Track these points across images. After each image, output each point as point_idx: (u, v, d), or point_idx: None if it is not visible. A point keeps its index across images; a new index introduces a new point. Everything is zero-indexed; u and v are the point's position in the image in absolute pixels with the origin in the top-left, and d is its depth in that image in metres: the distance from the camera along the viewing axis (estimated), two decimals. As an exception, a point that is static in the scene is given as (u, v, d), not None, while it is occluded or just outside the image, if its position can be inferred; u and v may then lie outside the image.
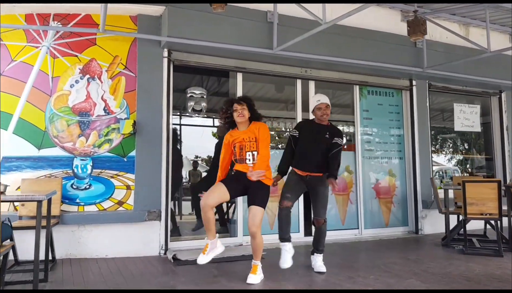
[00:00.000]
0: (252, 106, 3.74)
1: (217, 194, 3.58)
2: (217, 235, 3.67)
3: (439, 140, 11.37)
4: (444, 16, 6.57)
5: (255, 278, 3.63)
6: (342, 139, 4.15)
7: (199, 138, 6.56)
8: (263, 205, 3.58)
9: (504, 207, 4.87)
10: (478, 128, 7.45)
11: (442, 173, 12.46)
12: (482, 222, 5.63)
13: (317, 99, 4.16)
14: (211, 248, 3.60)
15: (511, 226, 4.92)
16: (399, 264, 4.34)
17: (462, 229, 5.09)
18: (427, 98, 6.69)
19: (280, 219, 4.03)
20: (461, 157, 9.42)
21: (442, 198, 5.60)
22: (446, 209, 5.32)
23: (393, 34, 6.10)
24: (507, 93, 7.59)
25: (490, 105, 7.71)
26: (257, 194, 3.58)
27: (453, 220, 5.57)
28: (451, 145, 11.41)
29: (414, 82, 6.60)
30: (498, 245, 4.77)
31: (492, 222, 5.09)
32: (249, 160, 3.62)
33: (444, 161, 12.42)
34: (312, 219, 4.17)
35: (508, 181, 7.33)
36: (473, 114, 7.42)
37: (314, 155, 4.05)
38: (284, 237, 4.00)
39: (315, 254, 4.13)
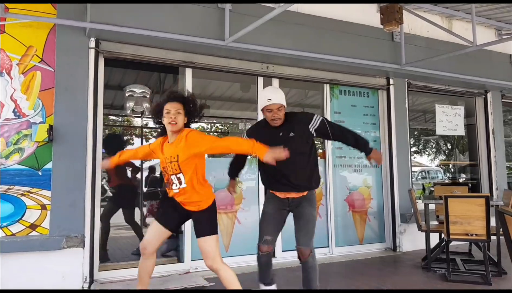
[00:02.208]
0: (193, 109, 2.91)
1: (154, 236, 2.93)
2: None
3: (422, 142, 10.83)
4: (425, 7, 5.88)
5: None
6: (313, 114, 3.19)
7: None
8: (213, 231, 2.87)
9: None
10: (462, 131, 6.78)
11: (425, 173, 11.93)
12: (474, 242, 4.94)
13: (267, 97, 3.10)
14: None
15: (500, 249, 4.23)
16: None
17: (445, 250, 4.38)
18: (406, 99, 6.00)
19: (260, 265, 3.29)
20: (443, 158, 8.86)
21: (422, 209, 4.91)
22: (427, 225, 4.61)
23: (368, 26, 5.41)
24: (493, 93, 6.97)
25: (474, 106, 7.06)
26: (201, 221, 2.88)
27: (435, 236, 4.90)
28: (434, 145, 10.88)
29: (391, 81, 5.90)
30: (486, 270, 4.07)
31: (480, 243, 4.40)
32: (176, 185, 2.84)
33: (427, 161, 11.91)
34: (295, 248, 3.15)
35: (494, 190, 6.70)
36: (457, 116, 6.74)
37: (287, 170, 3.05)
38: (265, 281, 3.34)
39: None
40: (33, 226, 3.83)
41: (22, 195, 3.83)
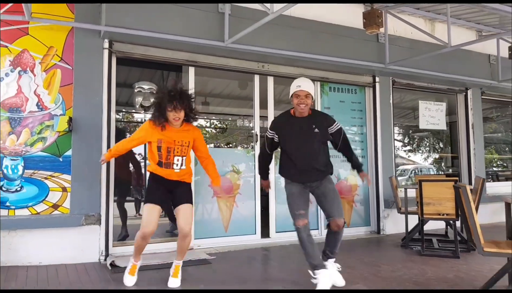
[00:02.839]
0: (191, 108, 3.37)
1: (153, 218, 3.32)
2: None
3: (416, 139, 11.34)
4: (409, 10, 6.40)
5: (177, 281, 3.48)
6: (335, 121, 3.52)
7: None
8: (191, 201, 3.46)
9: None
10: (443, 126, 7.30)
11: (418, 171, 12.44)
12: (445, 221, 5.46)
13: (297, 84, 3.38)
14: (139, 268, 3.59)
15: (469, 226, 4.74)
16: (352, 268, 4.11)
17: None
18: (391, 95, 6.51)
19: (303, 243, 3.35)
20: (437, 156, 9.35)
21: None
22: (405, 208, 5.14)
23: (356, 28, 5.87)
24: (473, 90, 7.49)
25: (456, 103, 7.59)
26: (183, 192, 3.42)
27: (415, 220, 5.41)
28: (427, 144, 11.38)
29: (377, 79, 6.41)
30: (455, 246, 4.60)
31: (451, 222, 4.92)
32: (177, 165, 3.35)
33: (420, 159, 12.43)
34: (328, 222, 3.45)
35: (473, 180, 7.22)
36: (439, 112, 7.27)
37: (308, 160, 3.37)
38: (316, 263, 3.33)
39: (328, 259, 3.50)
40: (55, 206, 4.34)
41: (46, 178, 4.34)
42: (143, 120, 5.80)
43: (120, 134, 5.73)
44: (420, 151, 12.33)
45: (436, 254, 4.66)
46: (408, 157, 12.65)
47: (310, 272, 3.36)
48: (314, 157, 3.39)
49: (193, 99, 3.43)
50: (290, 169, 3.48)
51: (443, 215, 4.60)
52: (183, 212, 3.34)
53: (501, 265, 3.03)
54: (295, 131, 3.39)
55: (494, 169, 9.23)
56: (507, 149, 9.18)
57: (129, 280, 3.48)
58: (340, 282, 3.45)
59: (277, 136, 3.52)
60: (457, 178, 4.67)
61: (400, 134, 9.34)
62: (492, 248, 2.89)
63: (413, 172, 12.59)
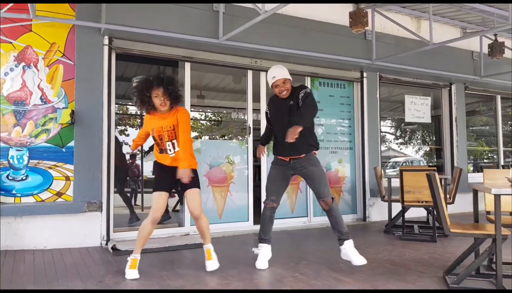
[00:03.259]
0: (174, 91, 3.44)
1: (162, 205, 3.50)
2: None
3: (408, 132, 11.67)
4: (395, 9, 6.69)
5: (213, 263, 3.59)
6: (306, 87, 3.71)
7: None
8: (197, 185, 3.57)
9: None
10: (428, 119, 7.64)
11: (409, 163, 12.81)
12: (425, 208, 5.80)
13: (272, 75, 3.66)
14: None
15: (438, 209, 5.09)
16: (337, 251, 4.42)
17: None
18: (377, 90, 6.82)
19: (263, 219, 3.79)
20: (427, 148, 9.67)
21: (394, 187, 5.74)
22: (388, 196, 5.47)
23: (345, 26, 6.11)
24: (457, 85, 7.81)
25: (441, 97, 7.92)
26: (193, 177, 3.50)
27: (399, 208, 5.74)
28: (419, 137, 11.73)
29: (365, 74, 6.71)
30: (433, 231, 4.93)
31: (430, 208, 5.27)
32: (170, 150, 3.49)
33: (411, 152, 12.79)
34: (319, 202, 3.73)
35: (454, 166, 7.58)
36: (424, 105, 7.61)
37: (285, 134, 3.47)
38: (265, 238, 3.78)
39: (343, 242, 3.68)
40: (59, 194, 4.61)
41: (50, 168, 4.60)
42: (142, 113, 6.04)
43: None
44: (412, 144, 12.71)
45: (415, 239, 5.01)
46: (400, 149, 13.04)
47: (259, 241, 3.81)
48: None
49: (176, 81, 3.57)
50: (275, 145, 3.83)
51: (422, 202, 4.93)
52: (189, 197, 3.53)
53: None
54: (277, 110, 3.76)
55: (485, 161, 9.58)
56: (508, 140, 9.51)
57: (132, 274, 3.45)
58: (356, 260, 3.57)
59: (268, 111, 3.91)
60: (435, 168, 4.97)
61: (392, 128, 9.63)
62: (458, 229, 3.20)
63: (404, 164, 12.99)
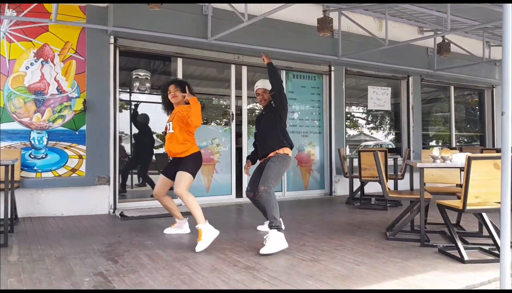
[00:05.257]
0: (184, 88, 4.10)
1: (159, 184, 4.21)
2: (186, 218, 4.41)
3: (379, 117, 12.74)
4: (359, 11, 7.66)
5: (201, 244, 3.64)
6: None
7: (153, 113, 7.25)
8: (186, 169, 3.93)
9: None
10: (388, 107, 8.75)
11: (378, 146, 13.99)
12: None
13: (256, 85, 4.41)
14: (178, 226, 4.42)
15: (381, 183, 6.21)
16: (305, 216, 5.49)
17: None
18: (343, 82, 7.84)
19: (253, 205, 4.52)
20: (394, 132, 10.75)
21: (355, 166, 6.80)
22: (349, 173, 6.54)
23: (315, 26, 7.08)
24: (414, 77, 8.91)
25: (400, 87, 9.02)
26: (181, 162, 4.00)
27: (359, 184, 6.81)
28: (388, 122, 12.84)
29: (332, 68, 7.71)
30: (385, 202, 6.04)
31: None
32: (169, 128, 4.08)
33: (381, 136, 13.95)
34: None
35: (411, 152, 8.75)
36: (385, 95, 8.69)
37: (262, 138, 4.25)
38: (265, 216, 4.29)
39: (269, 228, 3.78)
40: (73, 170, 5.47)
41: (65, 148, 5.44)
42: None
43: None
44: (382, 129, 13.87)
45: (370, 208, 6.12)
46: (371, 134, 14.20)
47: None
48: (267, 133, 4.26)
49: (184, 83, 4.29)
50: (257, 150, 4.50)
51: (376, 177, 6.01)
52: (177, 176, 3.97)
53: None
54: (258, 121, 4.51)
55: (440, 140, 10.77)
56: (462, 125, 10.69)
57: (166, 230, 4.45)
58: (264, 248, 3.57)
59: (255, 127, 4.59)
60: (386, 149, 6.05)
61: (363, 113, 10.66)
62: (394, 194, 4.27)
63: (372, 146, 14.18)
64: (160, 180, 4.25)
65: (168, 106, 4.29)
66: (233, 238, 4.22)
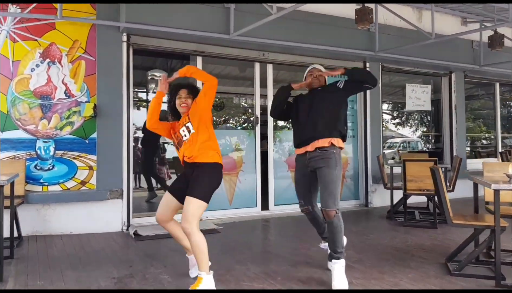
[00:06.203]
0: (195, 86, 3.29)
1: (163, 206, 3.24)
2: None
3: (405, 113, 11.93)
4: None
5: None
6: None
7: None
8: (199, 195, 2.97)
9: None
10: (428, 107, 7.92)
11: (406, 144, 13.15)
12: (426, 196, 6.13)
13: (312, 66, 3.68)
14: (191, 265, 3.40)
15: (441, 201, 5.43)
16: (348, 237, 4.78)
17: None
18: (380, 79, 7.07)
19: (309, 221, 3.63)
20: (424, 128, 9.97)
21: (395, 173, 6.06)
22: (390, 184, 5.80)
23: (349, 19, 6.32)
24: (456, 74, 8.06)
25: (441, 85, 8.18)
26: (194, 182, 3.03)
27: (400, 194, 6.06)
28: (417, 118, 12.02)
29: (367, 65, 6.95)
30: (434, 218, 5.28)
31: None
32: (185, 136, 3.11)
33: (409, 132, 13.10)
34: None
35: (454, 155, 7.91)
36: (424, 93, 7.87)
37: (311, 121, 3.34)
38: (320, 231, 3.62)
39: (332, 260, 3.26)
40: (83, 182, 4.93)
41: (74, 158, 4.90)
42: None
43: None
44: (409, 125, 13.01)
45: (417, 225, 5.36)
46: (397, 130, 13.34)
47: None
48: (319, 118, 3.37)
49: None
50: (297, 135, 3.56)
51: (423, 190, 5.27)
52: (184, 206, 3.00)
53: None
54: (308, 100, 3.54)
55: (484, 142, 9.89)
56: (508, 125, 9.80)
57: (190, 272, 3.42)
58: (336, 283, 3.13)
59: (292, 102, 3.69)
60: (436, 158, 5.29)
61: (390, 110, 9.90)
62: (460, 220, 3.53)
63: (401, 145, 13.33)
64: (165, 200, 3.24)
65: (174, 111, 3.30)
66: (263, 271, 3.56)
